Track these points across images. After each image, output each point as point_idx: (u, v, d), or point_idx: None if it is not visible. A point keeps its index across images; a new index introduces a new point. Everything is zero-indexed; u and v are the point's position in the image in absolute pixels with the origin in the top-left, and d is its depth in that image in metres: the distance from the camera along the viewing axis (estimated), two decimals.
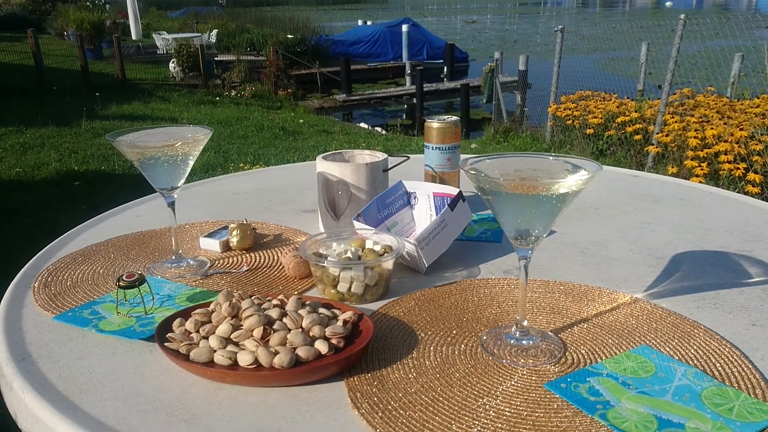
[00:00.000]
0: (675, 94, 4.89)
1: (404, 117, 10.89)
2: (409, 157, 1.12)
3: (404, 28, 14.43)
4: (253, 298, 0.70)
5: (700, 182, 3.52)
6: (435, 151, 1.12)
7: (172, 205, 0.89)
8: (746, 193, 3.36)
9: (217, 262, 0.93)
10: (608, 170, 1.43)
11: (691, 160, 3.68)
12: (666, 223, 1.05)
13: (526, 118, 7.10)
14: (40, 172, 4.78)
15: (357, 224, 0.91)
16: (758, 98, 4.63)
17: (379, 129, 8.60)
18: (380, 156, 1.05)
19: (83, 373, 0.64)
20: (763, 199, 3.33)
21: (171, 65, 11.49)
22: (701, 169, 3.54)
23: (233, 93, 10.38)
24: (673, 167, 3.83)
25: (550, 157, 0.67)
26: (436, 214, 0.96)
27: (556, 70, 5.97)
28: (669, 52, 4.35)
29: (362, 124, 9.10)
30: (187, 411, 0.57)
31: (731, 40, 6.34)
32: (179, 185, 0.88)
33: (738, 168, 3.40)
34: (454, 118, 1.13)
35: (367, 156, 1.08)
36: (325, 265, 0.77)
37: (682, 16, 4.23)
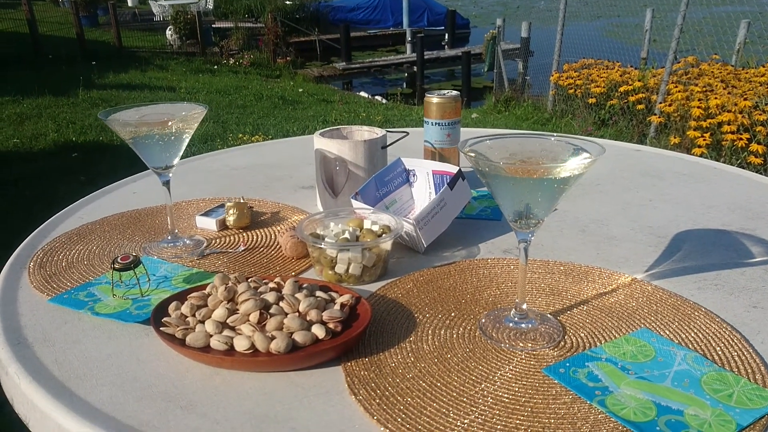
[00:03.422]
0: (679, 62, 4.82)
1: (405, 86, 10.78)
2: (407, 133, 1.10)
3: None
4: (249, 281, 0.70)
5: (702, 153, 3.50)
6: (435, 126, 1.11)
7: (167, 184, 0.88)
8: (749, 164, 3.34)
9: (213, 241, 0.92)
10: (610, 144, 1.41)
11: (694, 130, 3.64)
12: (668, 200, 1.04)
13: (528, 87, 7.02)
14: (37, 142, 4.74)
15: (355, 203, 0.90)
16: (763, 66, 4.56)
17: (379, 98, 8.51)
18: (379, 132, 1.03)
19: (79, 357, 0.63)
20: (765, 170, 3.31)
21: (168, 33, 11.31)
22: (704, 140, 3.51)
23: (231, 61, 10.25)
24: (675, 137, 3.79)
25: (552, 138, 0.65)
26: (435, 192, 0.95)
27: (558, 38, 5.88)
28: (674, 19, 4.27)
29: (362, 93, 9.00)
30: (184, 397, 0.57)
31: (737, 6, 6.22)
32: (174, 164, 0.86)
33: (741, 139, 3.37)
34: (454, 92, 1.11)
35: (366, 132, 1.06)
36: (322, 246, 0.76)
37: None
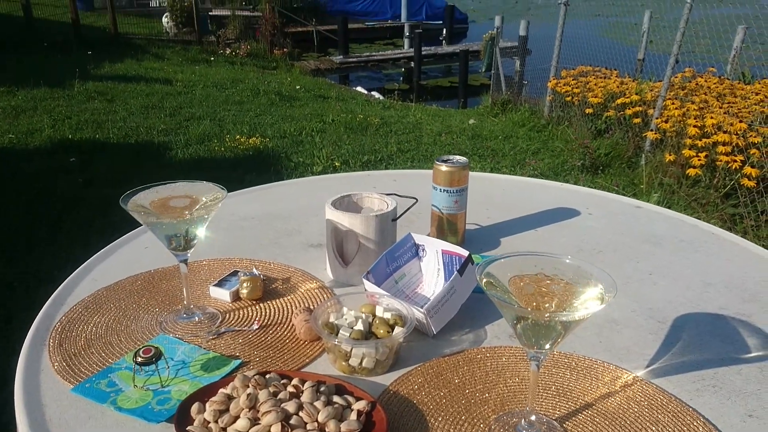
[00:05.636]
0: (677, 76, 4.85)
1: (402, 80, 10.77)
2: (417, 200, 1.12)
3: None
4: (269, 381, 0.72)
5: (697, 174, 3.53)
6: (443, 193, 1.13)
7: (184, 262, 0.90)
8: (740, 186, 3.38)
9: (228, 315, 0.94)
10: (611, 200, 1.45)
11: (689, 148, 3.68)
12: (667, 275, 1.07)
13: (525, 87, 7.04)
14: (33, 139, 4.72)
15: (367, 283, 0.92)
16: (759, 83, 4.61)
17: (375, 94, 8.51)
18: (389, 202, 1.06)
19: None
20: (757, 193, 3.35)
21: (164, 19, 11.23)
22: (698, 160, 3.55)
23: (228, 51, 10.20)
24: (670, 155, 3.84)
25: (567, 260, 0.68)
26: (444, 271, 0.98)
27: (557, 44, 5.89)
28: (672, 19, 4.27)
29: (359, 88, 9.00)
30: None
31: (736, 8, 6.18)
32: (192, 245, 0.89)
33: (735, 161, 3.41)
34: (463, 159, 1.14)
35: (376, 200, 1.08)
36: (336, 343, 0.79)
37: None
